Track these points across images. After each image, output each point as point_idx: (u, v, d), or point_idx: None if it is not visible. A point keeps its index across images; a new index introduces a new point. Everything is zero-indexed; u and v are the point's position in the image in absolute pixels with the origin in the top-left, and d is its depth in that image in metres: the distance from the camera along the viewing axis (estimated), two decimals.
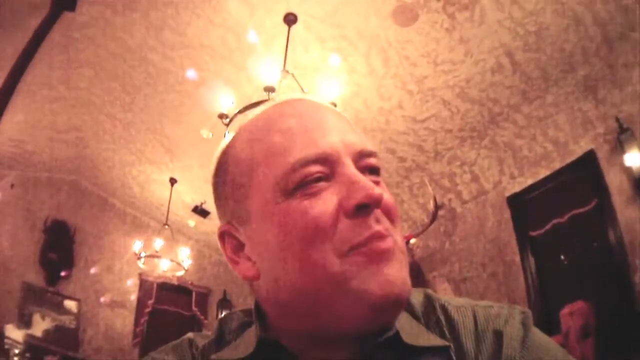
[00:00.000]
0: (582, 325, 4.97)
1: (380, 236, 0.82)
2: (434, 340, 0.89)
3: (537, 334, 0.89)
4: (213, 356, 0.94)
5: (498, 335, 0.89)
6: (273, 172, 0.86)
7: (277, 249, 0.85)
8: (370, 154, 0.91)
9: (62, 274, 9.25)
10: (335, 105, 4.62)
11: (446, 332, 0.92)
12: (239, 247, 0.94)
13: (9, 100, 5.71)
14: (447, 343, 0.88)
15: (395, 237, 0.86)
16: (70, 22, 6.01)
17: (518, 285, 6.38)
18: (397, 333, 0.86)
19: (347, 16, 5.60)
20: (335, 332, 0.84)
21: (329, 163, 0.86)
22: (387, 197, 0.88)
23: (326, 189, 0.84)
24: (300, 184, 0.84)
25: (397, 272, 0.82)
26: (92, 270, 9.69)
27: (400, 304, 0.83)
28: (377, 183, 0.90)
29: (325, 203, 0.83)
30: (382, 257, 0.81)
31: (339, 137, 0.89)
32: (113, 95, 7.50)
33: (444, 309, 0.96)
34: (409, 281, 0.85)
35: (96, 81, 7.23)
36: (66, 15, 5.84)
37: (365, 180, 0.85)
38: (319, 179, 0.85)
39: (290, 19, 5.56)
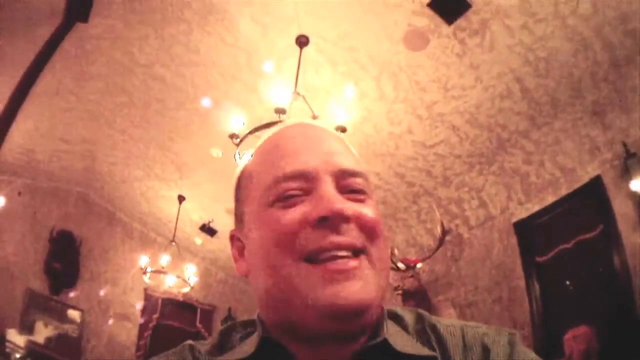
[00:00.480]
0: (585, 350, 4.98)
1: (338, 247, 0.89)
2: (423, 350, 0.94)
3: (524, 353, 0.94)
4: (217, 359, 0.99)
5: (485, 351, 0.94)
6: (262, 184, 0.97)
7: (257, 250, 0.96)
8: (354, 174, 0.98)
9: (71, 294, 9.25)
10: (344, 130, 4.65)
11: (435, 347, 0.96)
12: (242, 248, 1.05)
13: (19, 108, 5.73)
14: (435, 354, 0.94)
15: (371, 251, 0.93)
16: (83, 33, 6.04)
17: (523, 311, 6.34)
18: (386, 340, 0.91)
19: (359, 40, 5.64)
20: (305, 332, 0.90)
21: (308, 180, 0.94)
22: (364, 213, 0.94)
23: (300, 203, 0.93)
24: (280, 196, 0.94)
25: (351, 290, 0.86)
26: (101, 292, 9.69)
27: (352, 317, 0.87)
28: (360, 201, 0.97)
29: (294, 214, 0.91)
30: (338, 276, 0.87)
31: (323, 158, 0.98)
32: (123, 110, 7.50)
33: (433, 327, 1.01)
34: (368, 296, 0.89)
35: (107, 94, 7.23)
36: (78, 27, 5.86)
37: (333, 196, 0.92)
38: (295, 194, 0.94)
39: (302, 41, 5.61)
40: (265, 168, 0.99)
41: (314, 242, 0.89)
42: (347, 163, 1.00)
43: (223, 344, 1.04)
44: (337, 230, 0.90)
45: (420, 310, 1.07)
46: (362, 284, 0.88)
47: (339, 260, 0.88)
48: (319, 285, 0.86)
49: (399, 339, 0.95)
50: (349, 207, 0.92)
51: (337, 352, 0.91)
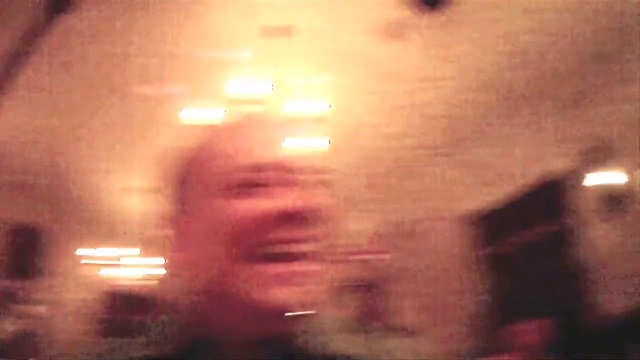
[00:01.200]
0: (541, 342, 5.06)
1: (299, 240, 0.88)
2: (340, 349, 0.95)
3: None
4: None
5: None
6: (219, 171, 0.93)
7: (199, 240, 0.93)
8: (309, 170, 0.97)
9: (30, 290, 9.26)
10: (319, 120, 4.58)
11: None
12: (177, 235, 1.01)
13: None
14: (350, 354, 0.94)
15: (311, 247, 0.91)
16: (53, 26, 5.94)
17: (476, 302, 6.63)
18: (304, 340, 0.93)
19: (335, 31, 5.67)
20: (236, 333, 0.90)
21: (275, 171, 0.92)
22: (319, 208, 0.93)
23: (264, 194, 0.90)
24: (243, 184, 0.90)
25: (303, 293, 0.87)
26: (61, 286, 9.67)
27: (298, 319, 0.89)
28: (306, 193, 0.94)
29: (257, 204, 0.88)
30: (292, 278, 0.86)
31: (283, 152, 0.96)
32: (91, 102, 7.47)
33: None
34: (315, 300, 0.91)
35: (74, 87, 7.16)
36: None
37: (298, 189, 0.91)
38: (260, 184, 0.90)
39: (275, 33, 5.56)
40: (225, 155, 0.95)
41: (274, 235, 0.87)
42: (299, 156, 0.98)
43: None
44: (298, 224, 0.89)
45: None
46: (309, 288, 0.89)
47: (288, 263, 0.87)
48: (272, 285, 0.86)
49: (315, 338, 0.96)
50: (310, 202, 0.91)
51: (255, 354, 0.91)
